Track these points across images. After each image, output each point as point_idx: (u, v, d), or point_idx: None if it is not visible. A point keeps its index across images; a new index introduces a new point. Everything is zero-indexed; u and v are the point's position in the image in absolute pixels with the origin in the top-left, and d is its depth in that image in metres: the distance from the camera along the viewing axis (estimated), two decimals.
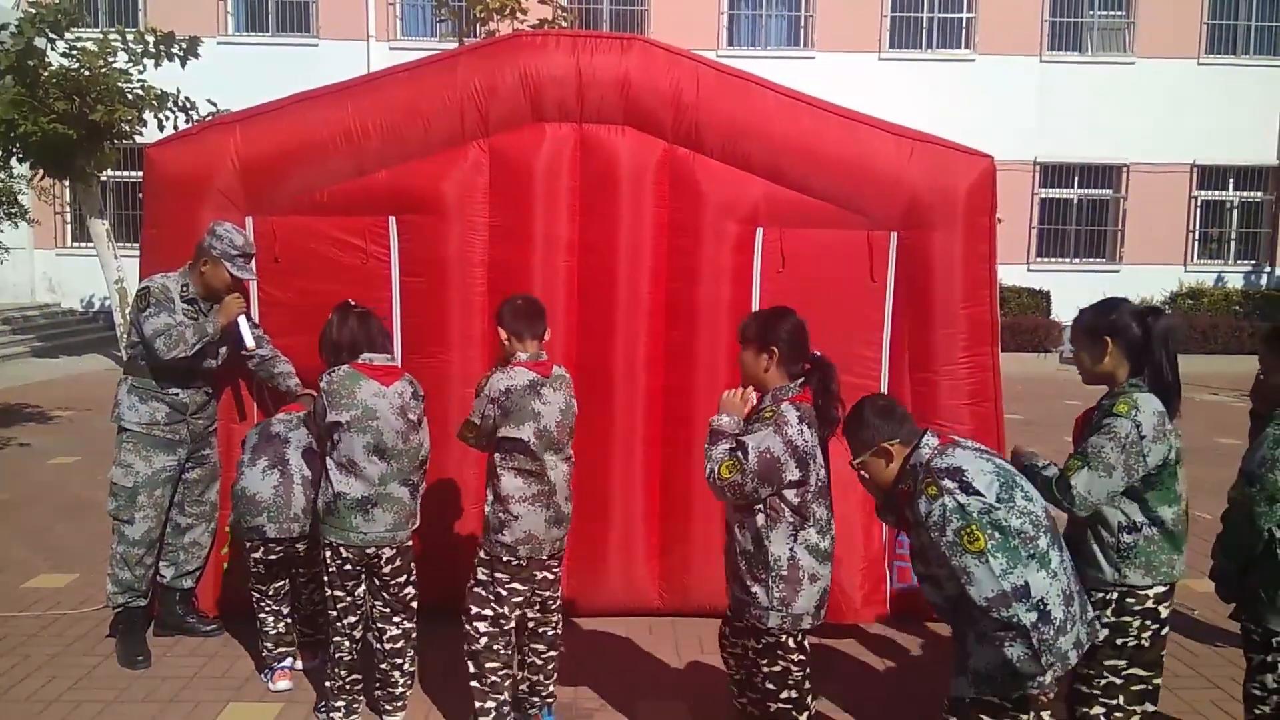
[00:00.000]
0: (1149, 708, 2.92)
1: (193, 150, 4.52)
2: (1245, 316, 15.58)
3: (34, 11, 10.53)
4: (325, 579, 3.62)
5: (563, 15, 13.84)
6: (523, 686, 3.59)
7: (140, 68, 11.47)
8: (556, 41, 4.51)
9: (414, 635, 3.70)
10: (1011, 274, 15.68)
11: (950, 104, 15.60)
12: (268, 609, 4.00)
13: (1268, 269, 17.47)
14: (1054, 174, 17.26)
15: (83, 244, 15.79)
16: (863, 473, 2.78)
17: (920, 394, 4.48)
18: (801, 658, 2.96)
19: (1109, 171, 17.27)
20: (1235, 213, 17.61)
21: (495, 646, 3.38)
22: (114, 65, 11.36)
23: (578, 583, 4.46)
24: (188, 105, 11.82)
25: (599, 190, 4.45)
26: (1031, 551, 2.44)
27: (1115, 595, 2.85)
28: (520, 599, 3.41)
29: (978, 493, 2.47)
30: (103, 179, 13.39)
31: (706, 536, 4.42)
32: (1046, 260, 17.23)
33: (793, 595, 2.87)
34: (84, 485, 7.03)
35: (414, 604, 3.69)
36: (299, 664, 4.09)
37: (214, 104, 11.39)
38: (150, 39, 11.47)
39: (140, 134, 11.72)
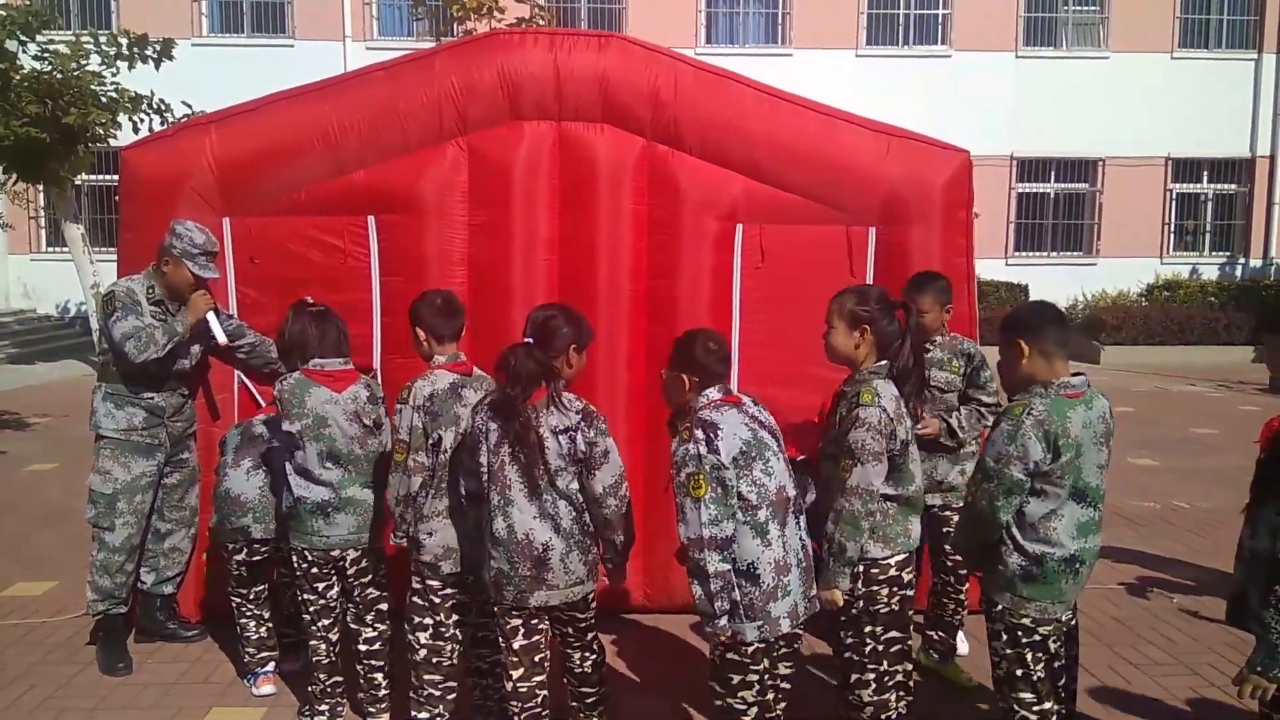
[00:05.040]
0: (908, 666, 3.22)
1: (168, 152, 4.48)
2: (1221, 307, 15.71)
3: (4, 14, 10.42)
4: (295, 583, 3.62)
5: (540, 14, 13.81)
6: (475, 693, 3.52)
7: (113, 70, 11.38)
8: (534, 39, 4.50)
9: (389, 637, 3.64)
10: (990, 268, 15.76)
11: (927, 100, 15.66)
12: (248, 614, 3.97)
13: (1242, 260, 17.64)
14: (1031, 168, 17.37)
15: (57, 249, 15.63)
16: (665, 378, 3.05)
17: None
18: (505, 624, 3.08)
19: (1085, 165, 17.40)
20: (1210, 205, 17.78)
21: (435, 659, 3.35)
22: (87, 68, 11.24)
23: None
24: (162, 108, 11.73)
25: (578, 188, 4.45)
26: (748, 520, 2.80)
27: (861, 568, 3.08)
28: (453, 604, 3.35)
29: (716, 451, 2.78)
30: (77, 183, 13.26)
31: None
32: (1024, 254, 17.35)
33: (488, 562, 3.08)
34: (62, 492, 6.96)
35: (382, 607, 3.63)
36: (284, 665, 4.07)
37: (189, 106, 11.31)
38: (123, 41, 11.39)
39: (114, 137, 11.62)
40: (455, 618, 3.37)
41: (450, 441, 3.25)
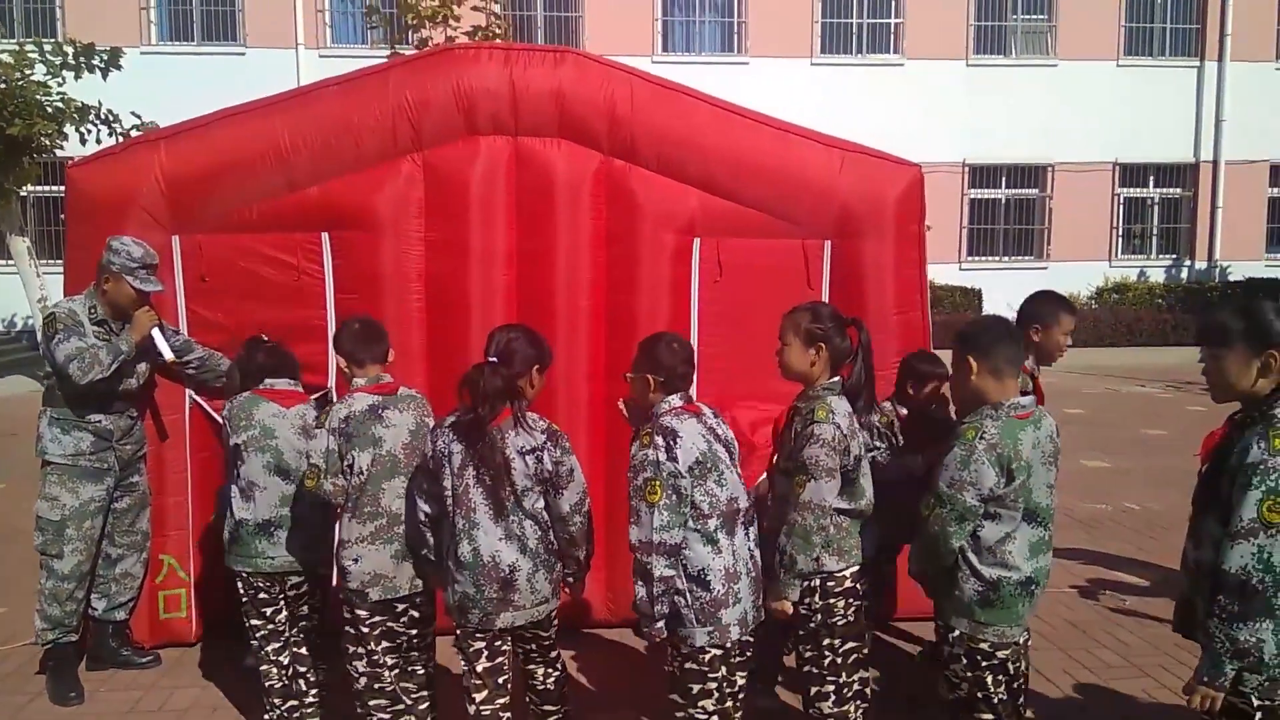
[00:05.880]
0: (864, 674, 3.26)
1: (115, 169, 4.40)
2: (1168, 309, 16.09)
3: None
4: (242, 610, 3.58)
5: (496, 23, 13.75)
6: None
7: (59, 80, 11.14)
8: (489, 54, 4.49)
9: (317, 646, 3.63)
10: (944, 273, 15.99)
11: (881, 108, 15.88)
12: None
13: (1188, 263, 18.07)
14: (982, 175, 17.65)
15: (3, 261, 15.25)
16: (630, 380, 3.08)
17: None
18: (469, 647, 3.06)
19: (1035, 171, 17.72)
20: (1156, 209, 18.19)
21: (376, 685, 3.30)
22: (32, 77, 11.01)
23: None
24: (110, 118, 11.51)
25: (536, 203, 4.44)
26: (699, 528, 2.88)
27: (817, 582, 3.11)
28: (381, 630, 3.28)
29: (675, 459, 2.84)
30: (23, 194, 12.97)
31: None
32: (977, 259, 17.61)
33: (451, 585, 3.04)
34: (9, 513, 6.79)
35: (308, 624, 3.61)
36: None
37: (138, 116, 11.13)
38: (70, 50, 11.16)
39: (61, 148, 11.39)
40: (385, 644, 3.29)
41: (366, 463, 3.21)
